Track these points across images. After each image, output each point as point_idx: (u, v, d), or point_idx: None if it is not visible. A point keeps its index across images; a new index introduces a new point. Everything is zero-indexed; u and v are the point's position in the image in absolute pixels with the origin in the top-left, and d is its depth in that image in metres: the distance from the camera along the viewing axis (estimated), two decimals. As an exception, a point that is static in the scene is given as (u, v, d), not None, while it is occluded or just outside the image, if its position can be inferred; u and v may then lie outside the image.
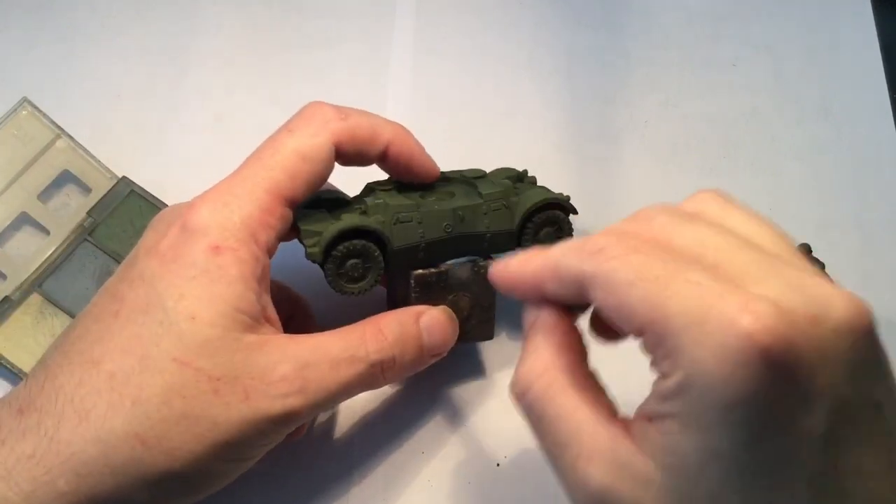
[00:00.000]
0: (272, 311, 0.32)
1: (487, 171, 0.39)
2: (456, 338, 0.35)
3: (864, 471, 0.23)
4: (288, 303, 0.37)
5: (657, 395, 0.24)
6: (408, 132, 0.35)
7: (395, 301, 0.37)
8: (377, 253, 0.33)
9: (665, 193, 0.46)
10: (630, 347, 0.27)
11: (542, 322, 0.29)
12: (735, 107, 0.49)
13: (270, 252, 0.32)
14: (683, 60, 0.50)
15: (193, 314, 0.29)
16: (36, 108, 0.41)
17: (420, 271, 0.35)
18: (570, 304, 0.28)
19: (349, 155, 0.33)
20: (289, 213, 0.32)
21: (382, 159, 0.34)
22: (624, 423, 0.26)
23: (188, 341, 0.28)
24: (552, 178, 0.45)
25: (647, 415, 0.25)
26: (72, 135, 0.42)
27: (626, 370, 0.29)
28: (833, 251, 0.41)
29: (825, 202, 0.47)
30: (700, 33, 0.51)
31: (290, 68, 0.48)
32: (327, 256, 0.33)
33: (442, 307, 0.35)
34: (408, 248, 0.34)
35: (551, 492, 0.38)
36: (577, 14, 0.51)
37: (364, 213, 0.34)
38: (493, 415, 0.39)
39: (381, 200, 0.34)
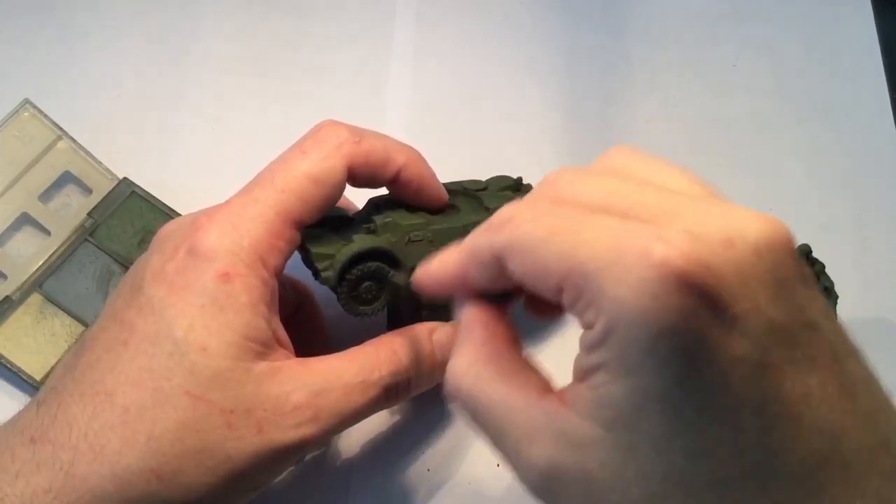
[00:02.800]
0: (282, 333, 0.31)
1: (484, 175, 0.39)
2: None
3: (812, 396, 0.22)
4: (294, 295, 0.37)
5: (584, 348, 0.23)
6: (420, 157, 0.34)
7: (397, 315, 0.37)
8: (391, 274, 0.33)
9: (665, 193, 0.46)
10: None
11: (463, 318, 0.28)
12: (735, 107, 0.49)
13: (278, 274, 0.31)
14: (683, 60, 0.50)
15: (204, 346, 0.28)
16: (37, 109, 0.41)
17: None
18: (495, 290, 0.28)
19: (361, 178, 0.33)
20: (297, 236, 0.31)
21: (393, 183, 0.34)
22: (558, 395, 0.25)
23: (200, 374, 0.28)
24: (552, 179, 0.45)
25: (578, 375, 0.24)
26: (73, 135, 0.42)
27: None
28: (833, 251, 0.41)
29: (825, 202, 0.47)
30: (700, 33, 0.51)
31: (291, 69, 0.48)
32: (341, 280, 0.32)
33: (452, 322, 0.35)
34: None
35: (551, 492, 0.38)
36: (576, 15, 0.51)
37: (373, 232, 0.33)
38: (493, 415, 0.40)
39: (391, 219, 0.33)
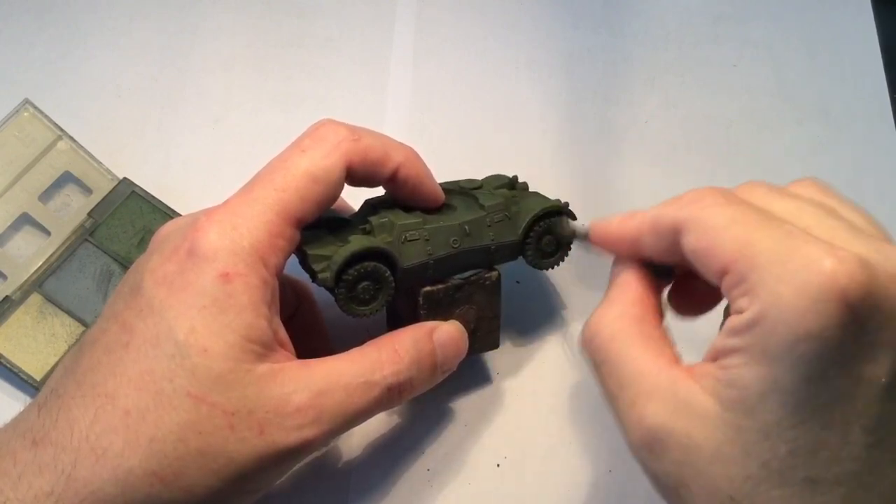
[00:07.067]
0: (283, 334, 0.31)
1: (482, 174, 0.39)
2: (466, 351, 0.35)
3: None
4: (293, 296, 0.37)
5: (728, 330, 0.25)
6: (418, 156, 0.34)
7: (397, 315, 0.37)
8: (388, 274, 0.33)
9: (665, 193, 0.46)
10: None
11: (623, 276, 0.31)
12: (735, 107, 0.49)
13: (279, 273, 0.31)
14: (683, 60, 0.50)
15: (205, 347, 0.28)
16: (37, 109, 0.41)
17: (428, 288, 0.35)
18: (660, 262, 0.30)
19: (359, 176, 0.33)
20: (297, 235, 0.31)
21: (390, 181, 0.34)
22: (686, 368, 0.27)
23: (201, 376, 0.28)
24: (552, 179, 0.45)
25: (712, 354, 0.26)
26: (73, 135, 0.42)
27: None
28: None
29: (825, 202, 0.47)
30: (700, 33, 0.51)
31: (291, 70, 0.48)
32: (338, 281, 0.32)
33: (452, 321, 0.35)
34: (417, 267, 0.34)
35: (551, 492, 0.38)
36: (576, 15, 0.51)
37: (369, 232, 0.33)
38: (493, 416, 0.40)
39: (386, 219, 0.33)
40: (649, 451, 0.27)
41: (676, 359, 0.28)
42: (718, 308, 0.32)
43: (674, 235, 0.28)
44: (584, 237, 0.35)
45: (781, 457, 0.24)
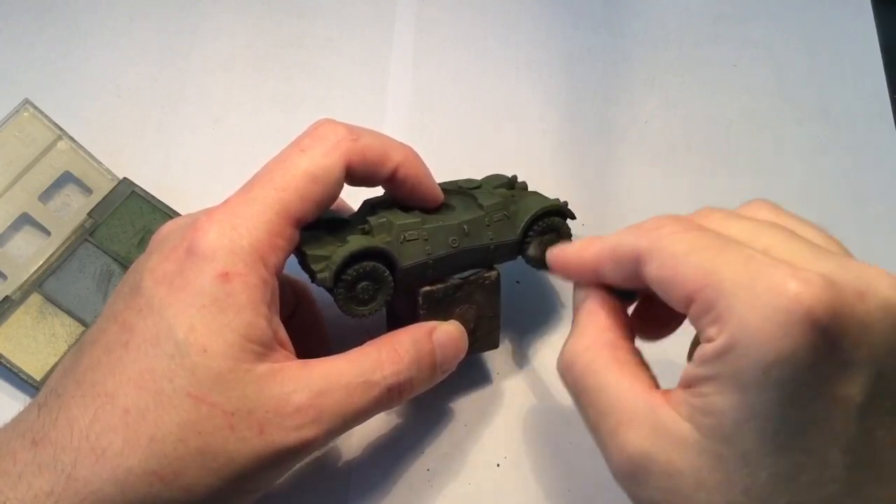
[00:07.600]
0: (283, 333, 0.31)
1: (482, 174, 0.39)
2: (466, 351, 0.35)
3: None
4: (293, 295, 0.37)
5: (699, 359, 0.25)
6: (417, 155, 0.34)
7: (396, 315, 0.37)
8: (387, 274, 0.33)
9: (665, 194, 0.46)
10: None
11: (589, 303, 0.31)
12: (735, 107, 0.49)
13: (278, 273, 0.31)
14: (683, 60, 0.50)
15: (205, 347, 0.28)
16: (37, 109, 0.41)
17: (428, 288, 0.35)
18: (621, 287, 0.30)
19: (358, 176, 0.33)
20: (297, 234, 0.31)
21: (389, 181, 0.34)
22: (663, 393, 0.27)
23: (201, 376, 0.28)
24: (552, 179, 0.45)
25: (686, 382, 0.26)
26: (73, 135, 0.42)
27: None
28: (833, 251, 0.41)
29: (825, 202, 0.47)
30: (700, 33, 0.51)
31: (291, 70, 0.48)
32: (337, 281, 0.32)
33: (452, 321, 0.35)
34: (416, 266, 0.34)
35: (551, 492, 0.38)
36: (576, 15, 0.51)
37: (368, 232, 0.33)
38: (493, 416, 0.40)
39: (385, 219, 0.33)
40: (633, 479, 0.27)
41: (653, 383, 0.28)
42: (684, 330, 0.32)
43: (634, 264, 0.28)
44: (543, 265, 0.35)
45: (762, 483, 0.24)
